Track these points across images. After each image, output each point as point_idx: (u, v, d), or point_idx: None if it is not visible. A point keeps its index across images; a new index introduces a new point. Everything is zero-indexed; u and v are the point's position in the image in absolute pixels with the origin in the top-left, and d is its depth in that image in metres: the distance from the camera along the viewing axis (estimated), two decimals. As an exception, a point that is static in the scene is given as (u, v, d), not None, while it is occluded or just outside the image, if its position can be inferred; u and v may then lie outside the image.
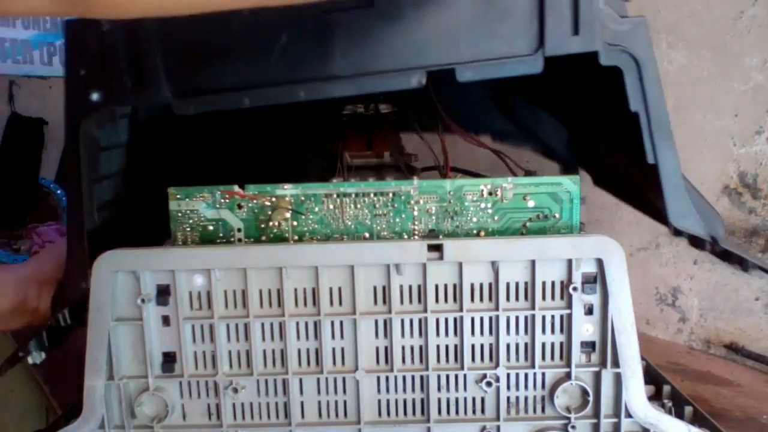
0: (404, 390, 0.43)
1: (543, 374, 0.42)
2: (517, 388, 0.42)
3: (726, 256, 0.42)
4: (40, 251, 0.57)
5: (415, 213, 0.44)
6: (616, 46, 0.39)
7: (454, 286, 0.41)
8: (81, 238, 0.41)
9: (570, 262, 0.40)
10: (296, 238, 0.45)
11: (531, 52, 0.38)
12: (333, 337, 0.42)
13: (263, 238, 0.45)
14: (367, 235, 0.45)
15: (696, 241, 0.42)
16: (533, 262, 0.41)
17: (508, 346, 0.42)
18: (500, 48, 0.39)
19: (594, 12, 0.38)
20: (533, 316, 0.41)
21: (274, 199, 0.44)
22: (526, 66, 0.39)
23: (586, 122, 0.48)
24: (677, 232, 0.41)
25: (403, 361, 0.42)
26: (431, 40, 0.38)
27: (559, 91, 0.53)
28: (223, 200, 0.44)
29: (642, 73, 0.39)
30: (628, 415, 0.41)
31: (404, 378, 0.42)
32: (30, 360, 0.41)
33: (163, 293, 0.41)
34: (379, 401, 0.43)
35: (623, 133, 0.41)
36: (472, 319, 0.41)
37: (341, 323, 0.42)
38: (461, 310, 0.41)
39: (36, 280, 0.52)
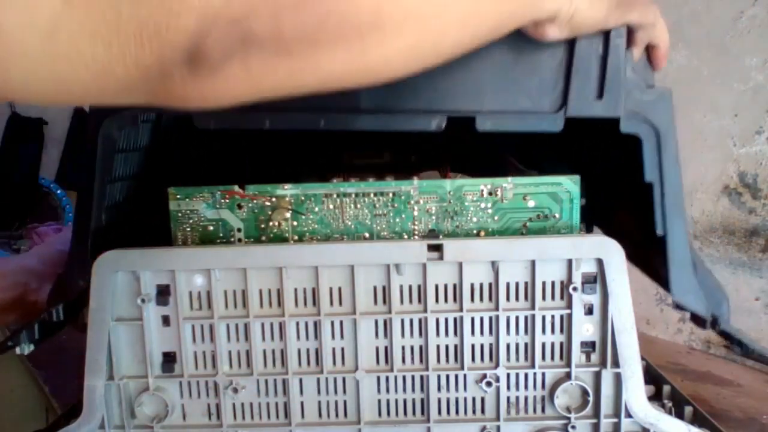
0: (404, 390, 0.43)
1: (543, 374, 0.42)
2: (517, 388, 0.42)
3: (726, 338, 0.42)
4: (41, 244, 0.57)
5: (415, 213, 0.44)
6: (638, 115, 0.38)
7: (454, 286, 0.41)
8: (86, 236, 0.41)
9: (570, 262, 0.40)
10: (296, 238, 0.45)
11: (553, 110, 0.38)
12: (333, 337, 0.42)
13: (263, 238, 0.45)
14: (367, 235, 0.45)
15: (697, 318, 0.42)
16: (533, 262, 0.41)
17: (508, 346, 0.42)
18: (523, 102, 0.38)
19: (620, 79, 0.37)
20: (533, 316, 0.41)
21: (274, 199, 0.44)
22: (547, 123, 0.39)
23: (601, 179, 0.48)
24: (678, 306, 0.41)
25: (403, 361, 0.42)
26: (455, 86, 0.38)
27: (577, 144, 0.53)
28: (223, 200, 0.44)
29: (661, 144, 0.39)
30: (628, 415, 0.41)
31: (404, 378, 0.42)
32: (18, 350, 0.41)
33: (163, 293, 0.41)
34: (379, 401, 0.43)
35: (636, 199, 0.41)
36: (472, 319, 0.41)
37: (341, 323, 0.42)
38: (461, 310, 0.41)
39: (35, 274, 0.51)
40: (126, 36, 0.17)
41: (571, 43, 0.37)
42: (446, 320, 0.42)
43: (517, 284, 0.41)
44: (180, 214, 0.45)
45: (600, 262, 0.40)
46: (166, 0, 0.17)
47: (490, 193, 0.44)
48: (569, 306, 0.41)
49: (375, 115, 0.38)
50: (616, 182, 0.44)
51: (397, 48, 0.23)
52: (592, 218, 0.56)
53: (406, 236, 0.45)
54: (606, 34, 0.37)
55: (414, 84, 0.36)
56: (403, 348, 0.42)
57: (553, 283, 0.41)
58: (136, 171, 0.45)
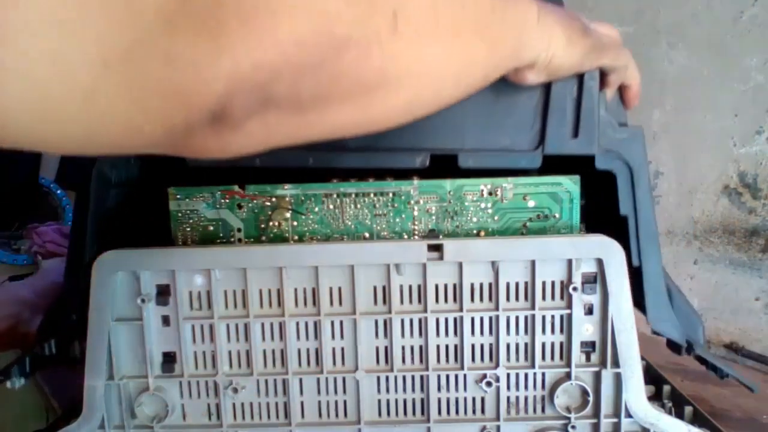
0: (404, 390, 0.43)
1: (543, 374, 0.42)
2: (517, 388, 0.42)
3: (702, 362, 0.44)
4: (36, 275, 0.57)
5: (415, 213, 0.44)
6: (612, 152, 0.41)
7: (454, 286, 0.41)
8: (78, 270, 0.41)
9: (570, 262, 0.40)
10: (296, 238, 0.45)
11: (531, 148, 0.40)
12: (333, 337, 0.42)
13: (263, 238, 0.45)
14: (367, 235, 0.45)
15: (673, 344, 0.44)
16: (533, 262, 0.41)
17: (508, 346, 0.42)
18: (503, 141, 0.40)
19: (594, 118, 0.40)
20: (533, 316, 0.41)
21: (274, 199, 0.44)
22: (526, 161, 0.41)
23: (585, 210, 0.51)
24: (655, 332, 0.43)
25: (403, 361, 0.42)
26: (438, 125, 0.40)
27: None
28: (223, 200, 0.44)
29: (634, 180, 0.41)
30: (628, 415, 0.41)
31: (404, 378, 0.42)
32: (9, 385, 0.41)
33: (163, 293, 0.41)
34: (379, 401, 0.43)
35: (613, 230, 0.43)
36: (472, 319, 0.41)
37: (341, 323, 0.42)
38: (461, 310, 0.41)
39: (29, 305, 0.52)
40: (159, 99, 0.18)
41: (547, 85, 0.39)
42: (446, 320, 0.42)
43: (517, 284, 0.41)
44: (180, 214, 0.45)
45: (600, 262, 0.40)
46: (198, 66, 0.18)
47: (490, 193, 0.44)
48: (569, 306, 0.41)
49: (361, 153, 0.40)
50: (593, 215, 0.46)
51: (398, 103, 0.25)
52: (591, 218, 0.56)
53: (406, 236, 0.45)
54: (580, 77, 0.39)
55: (399, 124, 0.39)
56: (403, 348, 0.42)
57: (553, 283, 0.41)
58: (135, 175, 0.45)
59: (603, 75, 0.40)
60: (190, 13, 0.18)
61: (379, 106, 0.24)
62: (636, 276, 0.42)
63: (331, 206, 0.44)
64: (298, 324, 0.42)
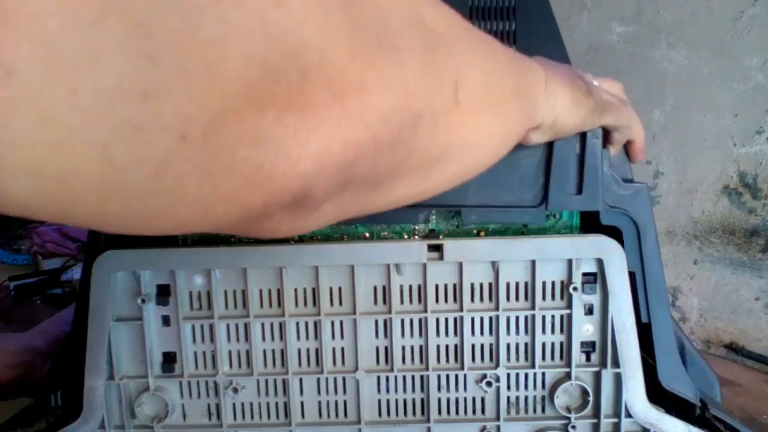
0: (404, 390, 0.43)
1: (543, 374, 0.42)
2: (517, 388, 0.42)
3: (719, 422, 0.42)
4: (47, 321, 0.57)
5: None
6: (617, 209, 0.40)
7: (454, 286, 0.41)
8: (85, 321, 0.41)
9: (570, 262, 0.40)
10: (296, 238, 0.45)
11: (535, 204, 0.40)
12: (333, 337, 0.42)
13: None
14: (367, 235, 0.45)
15: (686, 404, 0.42)
16: (533, 262, 0.41)
17: (508, 346, 0.42)
18: (506, 197, 0.40)
19: (598, 176, 0.39)
20: (533, 316, 0.41)
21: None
22: (530, 217, 0.40)
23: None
24: (668, 392, 0.42)
25: (403, 361, 0.42)
26: None
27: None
28: (223, 200, 0.44)
29: (641, 236, 0.40)
30: (628, 415, 0.41)
31: (404, 378, 0.42)
32: None
33: (163, 293, 0.41)
34: (379, 401, 0.43)
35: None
36: (472, 319, 0.41)
37: (341, 323, 0.42)
38: (461, 310, 0.41)
39: (41, 353, 0.52)
40: (238, 179, 0.16)
41: (549, 142, 0.39)
42: (446, 320, 0.42)
43: (517, 284, 0.41)
44: (180, 214, 0.45)
45: (600, 262, 0.40)
46: (285, 143, 0.16)
47: (490, 193, 0.44)
48: (569, 306, 0.41)
49: None
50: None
51: (453, 173, 0.25)
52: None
53: (406, 236, 0.45)
54: (583, 135, 0.39)
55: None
56: (403, 348, 0.42)
57: (553, 283, 0.41)
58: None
59: (607, 133, 0.39)
60: (276, 86, 0.16)
61: (437, 178, 0.24)
62: (645, 332, 0.42)
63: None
64: (298, 324, 0.42)
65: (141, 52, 0.13)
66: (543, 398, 0.42)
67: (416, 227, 0.45)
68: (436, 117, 0.21)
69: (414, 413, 0.43)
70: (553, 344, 0.42)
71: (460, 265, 0.41)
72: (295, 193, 0.18)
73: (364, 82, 0.18)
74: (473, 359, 0.42)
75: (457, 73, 0.21)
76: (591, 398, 0.41)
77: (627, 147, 0.42)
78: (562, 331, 0.42)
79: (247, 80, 0.15)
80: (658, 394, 0.42)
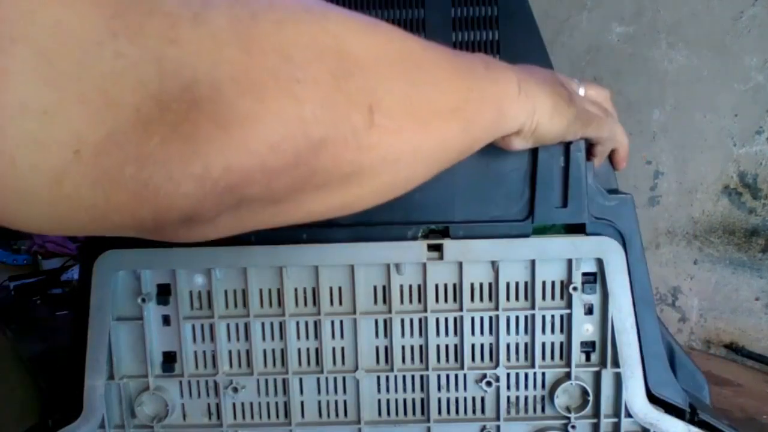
0: (404, 390, 0.43)
1: (543, 374, 0.42)
2: (517, 388, 0.42)
3: (707, 427, 0.43)
4: None
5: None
6: (602, 220, 0.41)
7: (454, 286, 0.41)
8: (84, 336, 0.42)
9: (570, 262, 0.40)
10: (296, 238, 0.45)
11: (522, 218, 0.40)
12: (333, 336, 0.42)
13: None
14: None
15: (675, 409, 0.42)
16: (533, 262, 0.41)
17: (508, 345, 0.42)
18: (493, 211, 0.41)
19: (582, 188, 0.40)
20: (533, 316, 0.41)
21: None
22: (517, 229, 0.41)
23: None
24: (657, 398, 0.42)
25: (403, 360, 0.42)
26: (429, 198, 0.40)
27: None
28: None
29: (627, 246, 0.41)
30: (628, 415, 0.41)
31: (404, 378, 0.42)
32: None
33: (164, 292, 0.41)
34: (379, 401, 0.43)
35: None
36: (472, 319, 0.41)
37: (341, 323, 0.42)
38: (461, 309, 0.41)
39: None
40: (126, 193, 0.18)
41: (534, 156, 0.40)
42: (446, 320, 0.42)
43: (517, 284, 0.41)
44: (180, 214, 0.45)
45: (600, 262, 0.40)
46: (167, 165, 0.18)
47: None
48: (569, 306, 0.41)
49: (353, 227, 0.40)
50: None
51: (372, 189, 0.25)
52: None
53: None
54: (566, 147, 0.39)
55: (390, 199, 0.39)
56: (403, 348, 0.42)
57: (553, 283, 0.41)
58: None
59: (590, 146, 0.40)
60: (166, 114, 0.17)
61: (354, 193, 0.24)
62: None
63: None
64: (298, 324, 0.42)
65: (42, 77, 0.15)
66: (543, 398, 0.42)
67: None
68: (344, 141, 0.21)
69: (414, 413, 0.43)
70: (553, 344, 0.42)
71: (460, 264, 0.41)
72: (182, 211, 0.20)
73: (252, 115, 0.19)
74: (473, 359, 0.42)
75: (372, 97, 0.22)
76: (591, 398, 0.41)
77: (611, 156, 0.43)
78: (562, 331, 0.42)
79: (138, 108, 0.17)
80: (653, 396, 0.42)
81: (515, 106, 0.30)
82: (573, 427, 0.42)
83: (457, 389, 0.42)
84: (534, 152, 0.39)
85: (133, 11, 0.17)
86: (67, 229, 0.20)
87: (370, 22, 0.23)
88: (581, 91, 0.38)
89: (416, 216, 0.40)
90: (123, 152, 0.17)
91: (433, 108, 0.25)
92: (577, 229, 0.41)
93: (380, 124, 0.22)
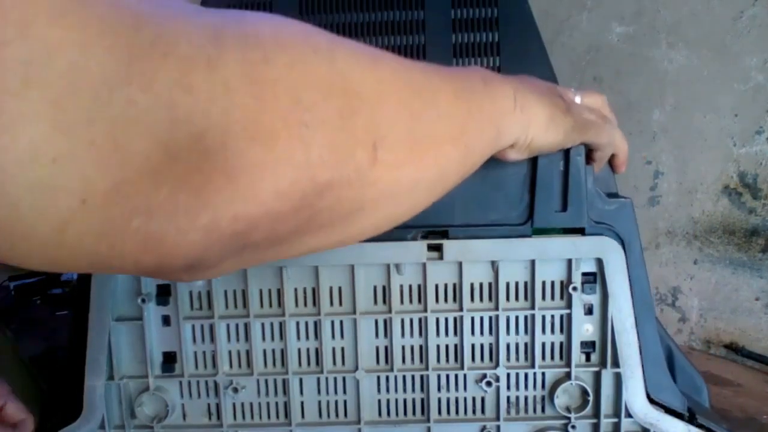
0: (404, 390, 0.43)
1: (543, 374, 0.42)
2: (517, 388, 0.42)
3: (707, 430, 0.43)
4: None
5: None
6: (601, 224, 0.40)
7: (454, 286, 0.41)
8: (84, 336, 0.42)
9: (570, 262, 0.40)
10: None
11: (521, 222, 0.40)
12: (333, 336, 0.42)
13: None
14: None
15: (674, 413, 0.43)
16: (533, 262, 0.41)
17: (508, 345, 0.42)
18: (492, 215, 0.41)
19: (582, 192, 0.40)
20: (533, 316, 0.41)
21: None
22: (517, 234, 0.41)
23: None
24: (655, 402, 0.42)
25: (403, 360, 0.42)
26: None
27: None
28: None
29: (626, 251, 0.40)
30: (628, 415, 0.41)
31: (404, 378, 0.42)
32: None
33: (164, 293, 0.41)
34: (379, 401, 0.43)
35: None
36: (472, 319, 0.41)
37: (341, 323, 0.42)
38: (461, 309, 0.41)
39: None
40: (131, 243, 0.18)
41: (533, 160, 0.39)
42: (446, 320, 0.42)
43: (517, 284, 0.41)
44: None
45: (600, 262, 0.40)
46: (175, 217, 0.18)
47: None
48: (569, 306, 0.41)
49: None
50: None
51: (374, 222, 0.25)
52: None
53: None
54: (566, 152, 0.39)
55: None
56: (403, 348, 0.42)
57: (553, 283, 0.41)
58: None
59: (589, 151, 0.40)
60: (176, 164, 0.17)
61: (356, 228, 0.24)
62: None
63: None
64: (298, 324, 0.42)
65: (54, 123, 0.15)
66: (543, 398, 0.42)
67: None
68: (348, 180, 0.21)
69: (414, 413, 0.43)
70: (552, 344, 0.42)
71: (460, 264, 0.41)
72: (187, 259, 0.19)
73: (262, 163, 0.18)
74: (473, 359, 0.42)
75: (377, 133, 0.22)
76: (591, 398, 0.41)
77: (610, 161, 0.42)
78: (561, 331, 0.42)
79: (148, 157, 0.16)
80: (652, 400, 0.42)
81: (511, 121, 0.30)
82: (573, 427, 0.42)
83: (457, 389, 0.42)
84: (534, 157, 0.39)
85: (149, 56, 0.16)
86: (65, 269, 0.19)
87: (375, 55, 0.23)
88: (578, 99, 0.37)
89: (416, 220, 0.40)
90: (130, 203, 0.17)
91: (434, 139, 0.25)
92: (576, 232, 0.41)
93: (383, 160, 0.22)
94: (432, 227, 0.41)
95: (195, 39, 0.17)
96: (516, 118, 0.30)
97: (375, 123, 0.22)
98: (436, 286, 0.41)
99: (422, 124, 0.24)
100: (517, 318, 0.42)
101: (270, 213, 0.20)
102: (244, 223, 0.19)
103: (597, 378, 0.42)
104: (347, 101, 0.21)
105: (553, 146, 0.35)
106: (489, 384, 0.42)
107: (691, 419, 0.42)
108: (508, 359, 0.42)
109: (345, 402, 0.43)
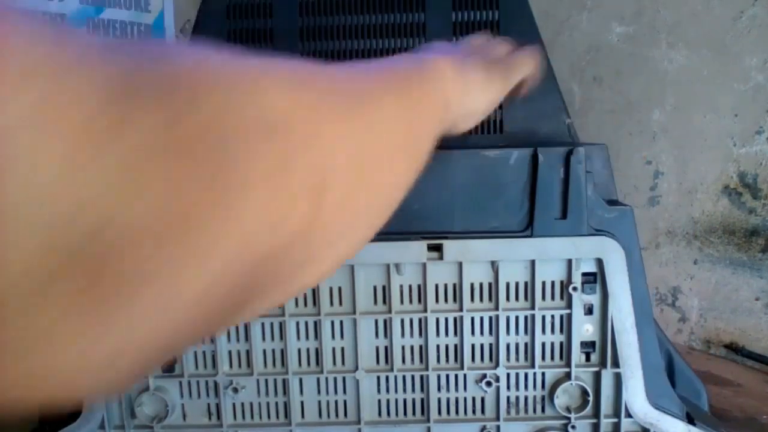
0: (404, 390, 0.43)
1: (543, 374, 0.42)
2: (517, 388, 0.42)
3: None
4: None
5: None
6: (601, 232, 0.40)
7: (454, 286, 0.41)
8: None
9: (570, 262, 0.40)
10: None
11: (521, 230, 0.40)
12: (333, 336, 0.42)
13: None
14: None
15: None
16: (533, 262, 0.41)
17: (508, 346, 0.42)
18: (492, 222, 0.41)
19: (582, 200, 0.40)
20: (533, 316, 0.41)
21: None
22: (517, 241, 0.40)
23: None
24: (655, 408, 0.42)
25: (403, 360, 0.42)
26: (428, 209, 0.40)
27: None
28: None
29: (626, 258, 0.40)
30: (628, 415, 0.41)
31: (404, 378, 0.42)
32: None
33: (163, 293, 0.41)
34: (379, 401, 0.43)
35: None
36: (472, 319, 0.41)
37: (341, 323, 0.42)
38: (461, 309, 0.41)
39: None
40: (13, 386, 0.13)
41: (533, 168, 0.39)
42: (446, 320, 0.42)
43: (517, 284, 0.41)
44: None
45: (600, 262, 0.40)
46: (68, 346, 0.13)
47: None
48: (569, 306, 0.41)
49: None
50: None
51: (330, 262, 0.23)
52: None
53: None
54: (567, 159, 0.39)
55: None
56: (403, 348, 0.42)
57: (553, 283, 0.41)
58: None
59: (516, 88, 0.38)
60: (66, 274, 0.12)
61: (311, 274, 0.21)
62: None
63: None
64: (298, 324, 0.42)
65: None
66: (543, 398, 0.42)
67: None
68: (291, 238, 0.18)
69: (414, 413, 0.43)
70: (552, 344, 0.42)
71: (460, 264, 0.41)
72: (90, 391, 0.15)
73: (184, 259, 0.14)
74: (473, 359, 0.42)
75: (319, 174, 0.18)
76: (591, 398, 0.41)
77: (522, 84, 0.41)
78: (561, 331, 0.42)
79: (27, 269, 0.12)
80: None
81: (452, 97, 0.29)
82: (573, 427, 0.42)
83: (457, 389, 0.42)
84: (534, 164, 0.39)
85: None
86: None
87: (310, 75, 0.20)
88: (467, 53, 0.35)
89: (415, 226, 0.41)
90: (6, 332, 0.12)
91: (380, 159, 0.22)
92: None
93: (330, 202, 0.19)
94: (431, 234, 0.41)
95: (92, 98, 0.12)
96: (456, 93, 0.29)
97: (317, 161, 0.18)
98: (436, 286, 0.41)
99: (370, 143, 0.22)
100: (517, 318, 0.42)
101: (200, 307, 0.15)
102: (166, 334, 0.15)
103: (597, 378, 0.42)
104: (284, 143, 0.17)
105: (489, 106, 0.33)
106: (489, 384, 0.42)
107: (689, 424, 0.42)
108: (508, 359, 0.42)
109: (345, 402, 0.43)
